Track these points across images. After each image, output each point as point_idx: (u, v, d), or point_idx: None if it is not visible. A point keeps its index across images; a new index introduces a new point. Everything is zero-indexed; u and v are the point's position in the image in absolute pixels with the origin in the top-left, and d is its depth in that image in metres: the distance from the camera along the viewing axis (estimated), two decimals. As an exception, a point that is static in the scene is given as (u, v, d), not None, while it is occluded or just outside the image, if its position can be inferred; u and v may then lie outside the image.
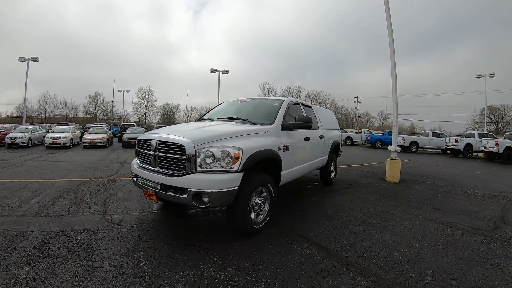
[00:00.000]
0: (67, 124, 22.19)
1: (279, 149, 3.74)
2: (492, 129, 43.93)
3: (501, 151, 13.57)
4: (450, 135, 23.69)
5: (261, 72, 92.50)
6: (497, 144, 13.84)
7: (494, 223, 3.98)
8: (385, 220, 4.07)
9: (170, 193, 3.03)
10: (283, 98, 4.71)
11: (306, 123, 4.21)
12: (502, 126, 48.52)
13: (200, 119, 5.03)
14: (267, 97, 5.50)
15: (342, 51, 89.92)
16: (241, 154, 3.02)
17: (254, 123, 3.97)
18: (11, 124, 22.20)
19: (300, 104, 5.17)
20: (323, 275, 2.50)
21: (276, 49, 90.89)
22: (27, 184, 5.81)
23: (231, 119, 4.30)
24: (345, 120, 58.64)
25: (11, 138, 14.98)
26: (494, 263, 2.77)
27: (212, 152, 2.95)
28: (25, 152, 13.21)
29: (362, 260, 2.81)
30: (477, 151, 16.50)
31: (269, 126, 3.87)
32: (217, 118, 4.52)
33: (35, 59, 24.55)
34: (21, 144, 15.14)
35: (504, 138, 15.16)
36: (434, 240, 3.34)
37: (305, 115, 4.86)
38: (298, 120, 4.14)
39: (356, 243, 3.23)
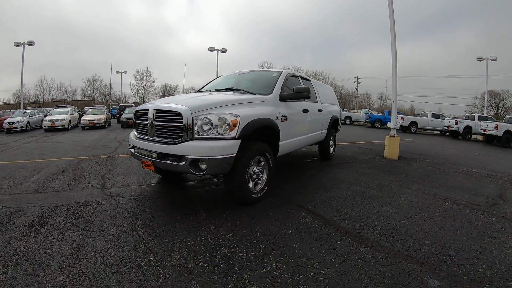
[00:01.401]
0: (65, 107, 22.03)
1: (277, 118, 3.70)
2: (492, 113, 43.70)
3: (500, 134, 13.47)
4: (450, 117, 23.57)
5: (261, 53, 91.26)
6: (496, 127, 13.73)
7: (492, 200, 3.95)
8: (383, 192, 4.04)
9: (168, 161, 3.00)
10: (281, 70, 4.65)
11: (304, 93, 4.18)
12: (502, 112, 48.26)
13: (198, 91, 4.95)
14: (265, 69, 5.40)
15: (342, 32, 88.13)
16: (238, 121, 2.97)
17: (252, 93, 3.92)
18: (9, 110, 21.91)
19: (299, 77, 5.11)
20: (321, 242, 2.47)
21: (276, 31, 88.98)
22: (26, 165, 5.69)
23: (229, 90, 4.24)
24: (344, 101, 57.91)
25: (9, 123, 14.93)
26: (492, 236, 2.74)
27: (210, 119, 2.89)
28: (24, 136, 13.05)
29: (360, 228, 2.78)
30: (476, 134, 16.40)
31: (267, 96, 3.82)
32: (215, 90, 4.45)
33: (30, 43, 24.17)
34: (19, 129, 15.12)
35: (504, 122, 15.05)
36: (433, 213, 3.31)
37: None
38: (296, 90, 4.11)
39: (354, 213, 3.20)
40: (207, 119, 2.89)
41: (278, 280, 1.91)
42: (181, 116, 2.90)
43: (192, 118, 2.88)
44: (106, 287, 1.83)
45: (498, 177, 5.55)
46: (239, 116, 2.99)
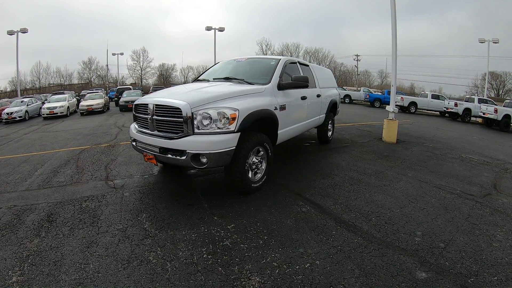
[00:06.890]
0: (62, 93, 21.86)
1: (276, 108, 3.72)
2: (492, 95, 43.30)
3: (500, 118, 13.45)
4: (449, 98, 23.37)
5: (255, 29, 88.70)
6: (496, 111, 13.68)
7: (486, 189, 4.04)
8: (379, 180, 4.14)
9: (169, 155, 3.06)
10: (279, 57, 4.58)
11: (302, 82, 4.18)
12: (502, 93, 47.80)
13: (196, 79, 4.91)
14: (263, 56, 5.39)
15: (337, 8, 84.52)
16: (237, 114, 3.01)
17: (250, 83, 3.90)
18: (6, 99, 21.62)
19: (297, 63, 5.05)
20: (317, 232, 2.58)
21: (269, 5, 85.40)
22: (28, 158, 5.68)
23: (227, 79, 4.20)
24: (344, 78, 57.12)
25: (8, 114, 14.80)
26: (482, 229, 2.84)
27: (209, 114, 2.94)
28: (23, 125, 12.93)
29: (355, 218, 2.90)
30: (475, 116, 16.39)
31: (265, 86, 3.81)
32: (213, 79, 4.41)
33: (24, 31, 23.52)
34: (18, 118, 14.98)
35: (504, 106, 14.96)
36: (426, 202, 3.42)
37: (302, 74, 4.79)
38: (295, 79, 4.11)
39: (350, 201, 3.31)
40: (206, 114, 2.93)
41: (277, 271, 2.04)
42: (181, 111, 2.93)
43: (192, 113, 2.91)
44: (119, 282, 1.94)
45: (494, 164, 5.64)
46: (238, 109, 3.03)
